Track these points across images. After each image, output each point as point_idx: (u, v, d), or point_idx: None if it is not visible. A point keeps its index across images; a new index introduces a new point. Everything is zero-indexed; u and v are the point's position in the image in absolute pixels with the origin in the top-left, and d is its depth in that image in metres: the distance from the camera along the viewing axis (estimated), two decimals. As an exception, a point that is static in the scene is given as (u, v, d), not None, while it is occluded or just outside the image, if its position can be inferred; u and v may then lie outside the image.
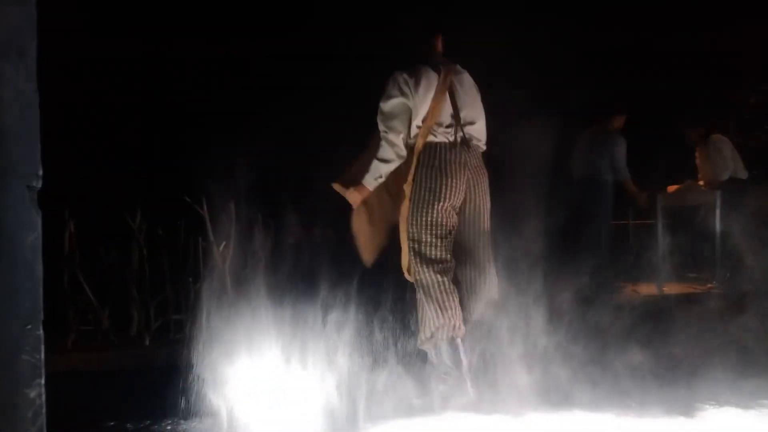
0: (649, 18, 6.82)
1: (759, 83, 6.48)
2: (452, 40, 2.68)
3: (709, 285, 4.95)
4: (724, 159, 4.98)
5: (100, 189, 3.67)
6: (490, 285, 2.43)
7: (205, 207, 3.24)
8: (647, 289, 4.92)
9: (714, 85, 6.26)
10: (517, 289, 2.46)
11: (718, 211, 4.83)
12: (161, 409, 2.16)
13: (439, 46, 2.63)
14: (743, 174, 5.05)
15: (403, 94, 2.35)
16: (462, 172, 2.35)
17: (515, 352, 2.28)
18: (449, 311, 2.29)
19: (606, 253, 5.07)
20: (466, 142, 2.38)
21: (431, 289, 2.32)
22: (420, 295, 2.38)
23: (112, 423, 2.15)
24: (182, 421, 2.10)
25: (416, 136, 2.34)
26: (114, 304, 3.29)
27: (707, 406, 2.03)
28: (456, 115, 2.38)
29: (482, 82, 2.69)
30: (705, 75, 6.39)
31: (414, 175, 2.34)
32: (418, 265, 2.34)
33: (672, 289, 4.98)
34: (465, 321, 2.34)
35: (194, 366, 2.21)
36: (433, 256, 2.33)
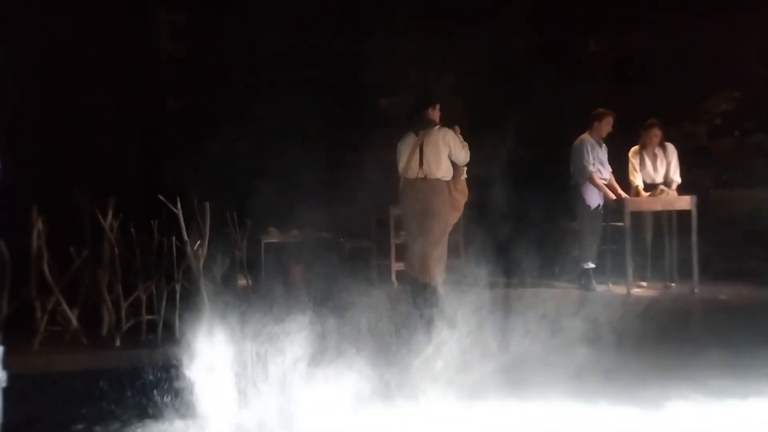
0: (622, 24, 6.96)
1: (729, 90, 6.65)
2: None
3: (667, 286, 5.10)
4: (677, 164, 5.19)
5: (70, 186, 3.57)
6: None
7: (179, 206, 3.18)
8: (619, 289, 5.03)
9: (686, 92, 6.40)
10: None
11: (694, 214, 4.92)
12: (131, 412, 2.11)
13: (432, 113, 4.37)
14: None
15: (398, 149, 4.49)
16: (420, 192, 4.28)
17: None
18: None
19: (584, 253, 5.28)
20: (424, 177, 4.24)
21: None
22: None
23: (80, 427, 2.10)
24: (153, 425, 2.05)
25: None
26: (84, 304, 3.21)
27: (675, 405, 2.06)
28: (420, 162, 4.24)
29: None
30: (677, 82, 6.53)
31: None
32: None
33: (647, 288, 5.09)
34: None
35: (166, 368, 2.18)
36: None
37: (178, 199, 3.19)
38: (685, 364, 2.62)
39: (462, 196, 4.49)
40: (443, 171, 4.26)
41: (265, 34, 6.72)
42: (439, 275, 4.27)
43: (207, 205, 3.28)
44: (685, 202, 4.95)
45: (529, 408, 2.09)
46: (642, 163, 5.27)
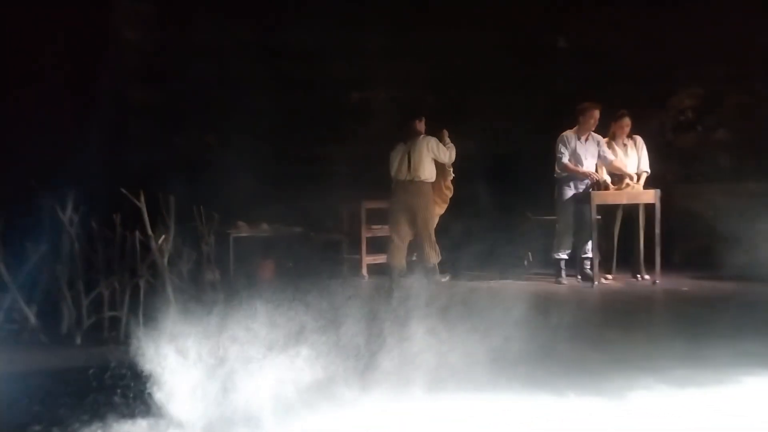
0: (589, 20, 7.05)
1: (692, 87, 6.81)
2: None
3: (635, 277, 5.22)
4: (646, 155, 5.32)
5: (28, 179, 3.45)
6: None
7: (142, 199, 3.09)
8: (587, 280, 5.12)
9: (652, 87, 6.53)
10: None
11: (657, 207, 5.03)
12: (92, 412, 2.05)
13: (418, 125, 5.20)
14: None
15: (390, 157, 5.27)
16: (407, 193, 5.15)
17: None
18: None
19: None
20: (415, 177, 5.07)
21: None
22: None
23: (37, 428, 2.02)
24: (113, 425, 1.99)
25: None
26: (43, 301, 3.11)
27: (639, 395, 2.10)
28: (409, 166, 5.07)
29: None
30: (643, 78, 6.65)
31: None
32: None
33: (613, 280, 5.20)
34: None
35: (128, 366, 2.12)
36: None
37: (142, 192, 3.11)
38: (648, 355, 2.68)
39: (449, 192, 5.40)
40: (427, 174, 5.14)
41: (232, 25, 6.60)
42: (434, 258, 5.22)
43: (172, 198, 3.20)
44: (650, 196, 5.07)
45: (491, 400, 2.10)
46: (612, 154, 5.37)
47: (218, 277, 5.67)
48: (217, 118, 6.85)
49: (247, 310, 2.52)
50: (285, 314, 2.46)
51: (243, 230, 6.59)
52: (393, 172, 5.26)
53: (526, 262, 6.50)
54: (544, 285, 5.13)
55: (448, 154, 5.18)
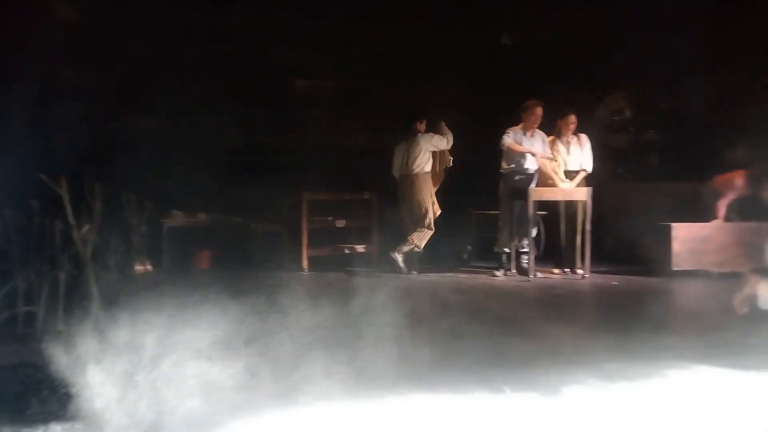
0: (533, 19, 7.19)
1: (626, 88, 7.09)
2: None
3: (574, 272, 5.41)
4: (590, 152, 5.50)
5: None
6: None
7: (64, 185, 2.88)
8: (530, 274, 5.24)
9: (592, 88, 6.73)
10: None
11: (589, 205, 5.23)
12: (2, 414, 1.88)
13: (418, 125, 5.68)
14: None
15: (394, 153, 5.80)
16: (406, 186, 5.68)
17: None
18: None
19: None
20: (411, 171, 5.60)
21: None
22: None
23: (-65, 434, 1.84)
24: (24, 429, 1.84)
25: None
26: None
27: (572, 390, 2.14)
28: (407, 161, 5.62)
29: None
30: (585, 77, 6.85)
31: None
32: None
33: (551, 274, 5.35)
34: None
35: (43, 365, 1.96)
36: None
37: (64, 178, 2.89)
38: (580, 349, 2.75)
39: (439, 178, 5.86)
40: (421, 167, 5.64)
41: (170, 5, 6.29)
42: (413, 242, 5.67)
43: (97, 185, 2.99)
44: (582, 194, 5.24)
45: (426, 396, 2.08)
46: (556, 152, 5.52)
47: (150, 269, 5.43)
48: (152, 103, 6.52)
49: (177, 304, 2.40)
50: (218, 309, 2.37)
51: (177, 219, 6.33)
52: (394, 170, 5.82)
53: (465, 256, 6.61)
54: (482, 279, 5.21)
55: (445, 140, 5.65)
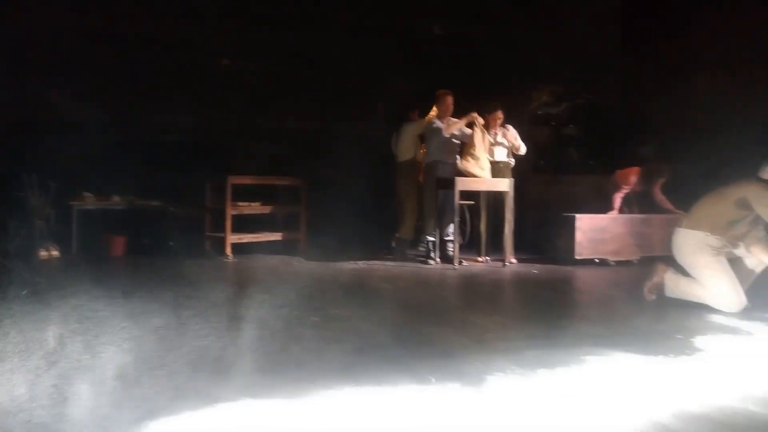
0: (459, 13, 7.27)
1: (550, 84, 7.34)
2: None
3: (480, 259, 5.60)
4: (519, 142, 5.68)
5: None
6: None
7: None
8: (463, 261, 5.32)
9: (515, 82, 6.91)
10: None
11: (511, 195, 5.40)
12: None
13: (411, 115, 5.86)
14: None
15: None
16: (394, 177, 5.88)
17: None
18: None
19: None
20: (396, 162, 5.80)
21: None
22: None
23: None
24: None
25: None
26: None
27: (496, 378, 2.17)
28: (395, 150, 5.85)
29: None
30: (508, 71, 7.02)
31: None
32: None
33: (476, 262, 5.47)
34: None
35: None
36: None
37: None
38: (503, 336, 2.82)
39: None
40: (405, 154, 5.81)
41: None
42: (402, 232, 5.94)
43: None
44: (505, 185, 5.40)
45: (350, 387, 2.05)
46: (485, 143, 5.66)
47: (56, 255, 5.05)
48: (61, 77, 6.04)
49: (82, 290, 2.23)
50: (127, 298, 2.23)
51: (89, 202, 5.92)
52: (397, 152, 5.93)
53: (393, 244, 6.63)
54: (409, 267, 5.25)
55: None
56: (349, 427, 1.71)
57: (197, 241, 5.94)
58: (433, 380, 2.12)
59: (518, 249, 5.81)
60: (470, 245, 6.01)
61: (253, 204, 6.08)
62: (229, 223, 5.70)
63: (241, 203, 5.92)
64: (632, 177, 5.96)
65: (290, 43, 7.06)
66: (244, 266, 5.16)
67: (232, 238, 5.73)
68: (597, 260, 5.63)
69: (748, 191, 3.48)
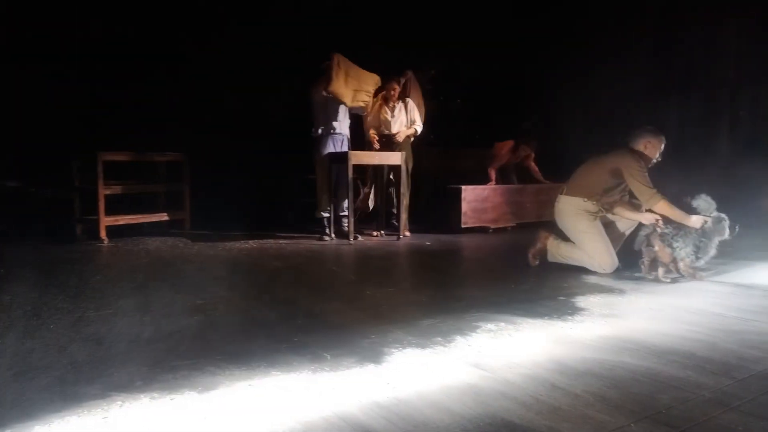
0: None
1: (437, 57, 7.42)
2: None
3: (375, 233, 5.65)
4: (416, 115, 5.74)
5: None
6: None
7: None
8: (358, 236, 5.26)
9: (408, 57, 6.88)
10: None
11: (404, 169, 5.47)
12: None
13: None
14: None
15: None
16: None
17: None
18: None
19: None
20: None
21: None
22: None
23: None
24: None
25: None
26: None
27: (393, 350, 2.14)
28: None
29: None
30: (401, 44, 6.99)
31: None
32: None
33: (372, 237, 5.45)
34: None
35: None
36: None
37: None
38: (398, 308, 2.80)
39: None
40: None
41: None
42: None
43: None
44: (397, 158, 5.41)
45: (237, 371, 1.92)
46: (383, 116, 5.65)
47: None
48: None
49: None
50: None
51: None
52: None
53: (288, 222, 6.47)
54: (304, 244, 5.12)
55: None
56: (242, 415, 1.59)
57: (67, 226, 5.37)
58: (328, 357, 2.04)
59: (414, 221, 5.89)
60: (363, 220, 6.00)
61: (129, 183, 5.59)
62: (102, 204, 5.19)
63: (115, 182, 5.41)
64: (506, 150, 6.38)
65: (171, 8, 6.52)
66: (121, 250, 4.74)
67: (107, 221, 5.24)
68: (477, 228, 5.95)
69: (621, 162, 3.73)
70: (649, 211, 3.68)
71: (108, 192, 5.26)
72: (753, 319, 2.59)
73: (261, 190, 6.84)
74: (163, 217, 5.79)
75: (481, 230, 6.01)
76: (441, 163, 6.96)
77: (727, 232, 3.48)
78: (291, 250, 4.78)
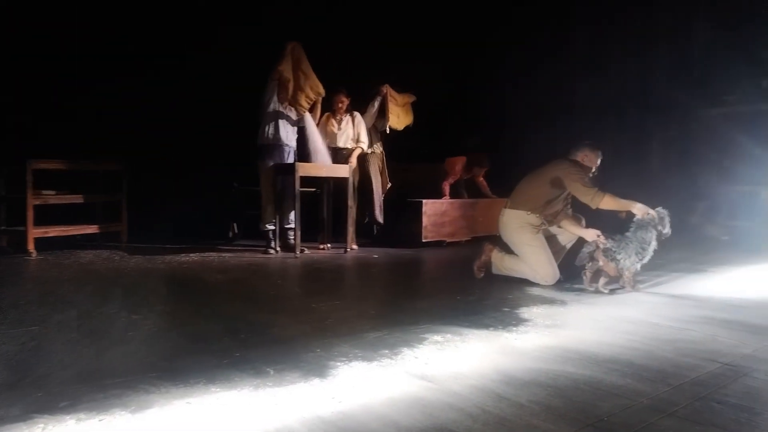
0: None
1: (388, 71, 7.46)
2: None
3: (321, 246, 5.59)
4: (362, 130, 5.74)
5: None
6: None
7: None
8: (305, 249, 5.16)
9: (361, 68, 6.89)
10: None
11: (351, 182, 5.43)
12: None
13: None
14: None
15: None
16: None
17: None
18: None
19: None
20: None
21: None
22: None
23: None
24: None
25: None
26: None
27: (339, 364, 2.09)
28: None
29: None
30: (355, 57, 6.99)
31: None
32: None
33: (320, 250, 5.37)
34: None
35: None
36: None
37: None
38: (345, 320, 2.75)
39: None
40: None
41: None
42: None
43: None
44: (344, 171, 5.38)
45: (174, 388, 1.82)
46: (329, 128, 5.63)
47: None
48: None
49: None
50: None
51: None
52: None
53: (231, 234, 6.30)
54: (247, 257, 4.99)
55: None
56: (172, 435, 1.50)
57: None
58: (271, 372, 1.97)
59: (362, 235, 5.85)
60: (310, 233, 5.91)
61: (62, 192, 5.31)
62: (31, 215, 4.90)
63: (45, 191, 5.12)
64: (458, 166, 6.50)
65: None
66: (51, 263, 4.47)
67: (36, 232, 4.94)
68: (435, 243, 5.97)
69: (560, 171, 3.84)
70: (590, 227, 3.79)
71: (37, 202, 4.97)
72: (686, 328, 2.70)
73: (205, 201, 6.64)
74: (98, 229, 5.52)
75: (437, 244, 6.03)
76: (392, 176, 6.99)
77: (668, 227, 3.59)
78: (234, 263, 4.64)
